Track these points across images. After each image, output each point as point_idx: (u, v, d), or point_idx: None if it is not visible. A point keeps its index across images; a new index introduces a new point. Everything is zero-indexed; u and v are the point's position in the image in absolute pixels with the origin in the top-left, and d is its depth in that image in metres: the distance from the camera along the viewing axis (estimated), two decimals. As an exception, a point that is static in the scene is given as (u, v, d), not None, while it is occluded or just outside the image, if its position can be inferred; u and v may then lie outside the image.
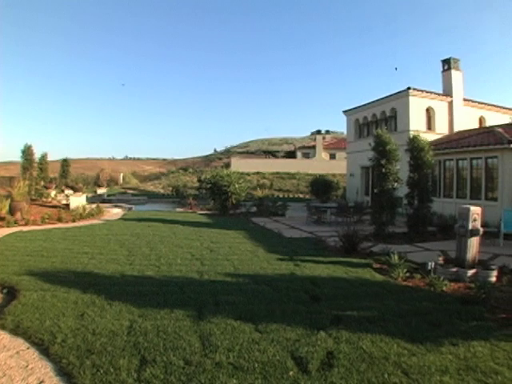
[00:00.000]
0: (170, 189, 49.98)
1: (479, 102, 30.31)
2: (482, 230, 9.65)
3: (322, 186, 34.23)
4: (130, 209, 27.69)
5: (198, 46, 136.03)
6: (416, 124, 26.10)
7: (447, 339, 5.56)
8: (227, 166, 54.38)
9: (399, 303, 7.20)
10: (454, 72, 28.45)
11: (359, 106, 32.32)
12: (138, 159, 70.75)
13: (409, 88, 26.27)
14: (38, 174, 32.09)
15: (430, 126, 27.65)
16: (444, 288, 8.26)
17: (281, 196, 43.50)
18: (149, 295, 7.29)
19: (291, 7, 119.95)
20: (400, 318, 6.40)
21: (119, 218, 21.41)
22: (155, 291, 7.56)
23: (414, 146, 15.97)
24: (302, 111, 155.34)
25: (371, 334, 5.68)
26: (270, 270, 9.71)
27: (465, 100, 29.04)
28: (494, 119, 29.62)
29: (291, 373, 4.50)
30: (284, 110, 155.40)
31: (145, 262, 10.21)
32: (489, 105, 30.98)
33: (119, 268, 9.50)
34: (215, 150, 71.45)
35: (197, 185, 34.14)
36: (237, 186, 25.53)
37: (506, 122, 27.63)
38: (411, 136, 16.77)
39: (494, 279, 8.85)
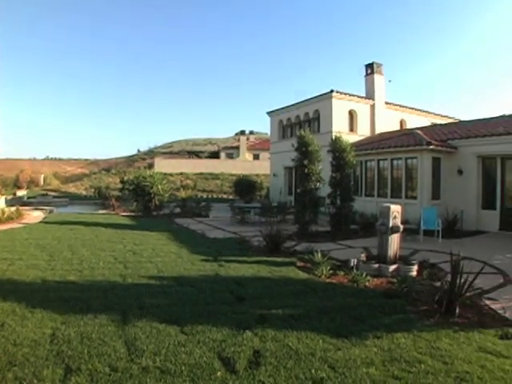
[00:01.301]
0: (93, 190, 48.33)
1: (400, 106, 31.60)
2: (402, 227, 9.95)
3: (245, 187, 34.38)
4: (51, 211, 26.21)
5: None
6: (339, 125, 26.52)
7: (371, 333, 5.63)
8: (150, 166, 53.19)
9: (323, 300, 7.24)
10: (376, 76, 29.53)
11: (283, 108, 32.59)
12: (60, 159, 67.54)
13: (332, 91, 26.73)
14: None
15: (352, 127, 28.32)
16: (367, 283, 8.42)
17: (204, 196, 43.13)
18: (71, 301, 6.87)
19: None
20: (325, 314, 6.40)
21: (40, 222, 20.10)
22: (78, 296, 7.15)
23: (336, 147, 16.28)
24: (226, 112, 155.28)
25: (297, 331, 5.64)
26: (194, 271, 9.51)
27: (386, 103, 30.16)
28: (414, 122, 31.00)
29: (219, 373, 4.36)
30: (208, 111, 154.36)
31: (67, 267, 9.69)
32: (409, 108, 32.34)
33: (40, 274, 8.93)
34: (138, 151, 69.90)
35: (120, 186, 33.22)
36: (160, 186, 25.08)
37: (426, 124, 29.13)
38: (334, 137, 17.10)
39: (414, 273, 9.11)
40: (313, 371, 4.43)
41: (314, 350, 5.01)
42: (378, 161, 21.25)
